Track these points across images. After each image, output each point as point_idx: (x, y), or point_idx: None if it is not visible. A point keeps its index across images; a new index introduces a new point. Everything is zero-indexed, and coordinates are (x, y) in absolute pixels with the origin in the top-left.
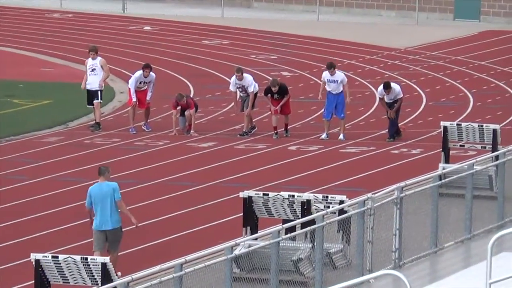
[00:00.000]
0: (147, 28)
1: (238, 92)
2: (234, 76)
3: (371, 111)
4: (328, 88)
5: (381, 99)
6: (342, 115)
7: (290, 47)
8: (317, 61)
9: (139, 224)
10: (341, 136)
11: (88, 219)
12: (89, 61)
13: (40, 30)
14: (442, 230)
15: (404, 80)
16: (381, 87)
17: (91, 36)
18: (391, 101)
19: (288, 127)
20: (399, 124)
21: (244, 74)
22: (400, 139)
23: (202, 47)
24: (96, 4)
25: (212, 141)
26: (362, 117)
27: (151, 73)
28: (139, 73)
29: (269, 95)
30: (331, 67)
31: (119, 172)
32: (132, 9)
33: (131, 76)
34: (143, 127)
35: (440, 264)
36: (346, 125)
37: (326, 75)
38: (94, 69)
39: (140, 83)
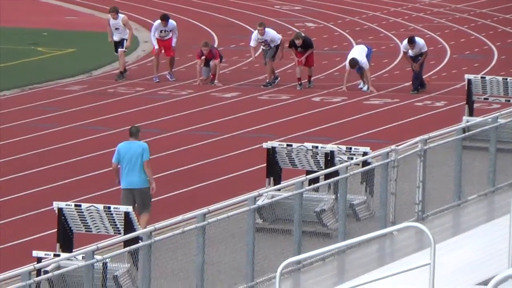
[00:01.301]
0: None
1: (260, 46)
2: (256, 31)
3: (395, 63)
4: None
5: (405, 53)
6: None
7: None
8: (341, 13)
9: (154, 187)
10: (364, 88)
11: (115, 177)
12: (111, 21)
13: None
14: (466, 183)
15: (429, 32)
16: (405, 42)
17: None
18: (415, 55)
19: (312, 78)
20: (423, 77)
21: (266, 29)
22: (424, 92)
23: None
24: None
25: (236, 91)
26: (386, 69)
27: (170, 21)
28: (157, 22)
29: (293, 47)
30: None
31: (142, 121)
32: None
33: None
34: (167, 76)
35: (463, 217)
36: (370, 77)
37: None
38: (118, 28)
39: (161, 31)
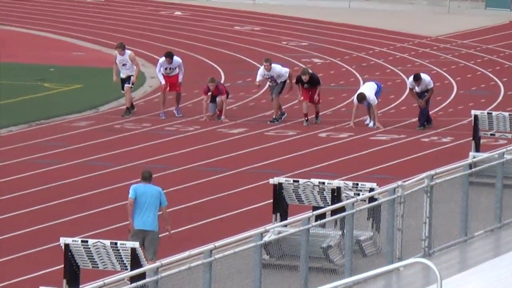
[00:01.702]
0: (178, 13)
1: (266, 82)
2: (262, 67)
3: (401, 99)
4: None
5: (411, 90)
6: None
7: (322, 34)
8: (348, 48)
9: (172, 231)
10: (371, 124)
11: (130, 213)
12: (118, 57)
13: (72, 15)
14: (472, 219)
15: (435, 68)
16: (411, 78)
17: (122, 20)
18: (422, 91)
19: (319, 114)
20: (429, 113)
21: (272, 64)
22: (430, 127)
23: (233, 33)
24: None
25: (243, 127)
26: (393, 104)
27: (175, 58)
28: (162, 59)
29: (300, 83)
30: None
31: (149, 157)
32: None
33: None
34: (174, 111)
35: (469, 253)
36: (377, 113)
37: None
38: (125, 64)
39: (166, 69)
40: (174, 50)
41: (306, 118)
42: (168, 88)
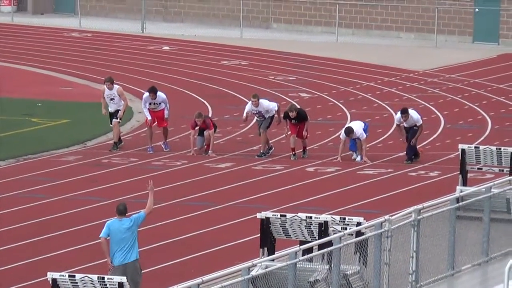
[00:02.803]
0: (166, 48)
1: (254, 117)
2: (249, 102)
3: (389, 133)
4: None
5: (398, 126)
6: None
7: (309, 69)
8: (335, 83)
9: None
10: (358, 158)
11: (106, 252)
12: (106, 91)
13: (59, 49)
14: (459, 252)
15: (423, 102)
16: (398, 114)
17: (110, 55)
18: (410, 126)
19: (306, 148)
20: (417, 147)
21: (260, 100)
22: (418, 162)
23: (220, 67)
24: (115, 24)
25: (230, 161)
26: (380, 139)
27: (159, 93)
28: (146, 94)
29: (287, 119)
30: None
31: (136, 192)
32: (151, 29)
33: None
34: (162, 146)
35: (457, 286)
36: (366, 147)
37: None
38: (113, 98)
39: (150, 104)
40: (161, 85)
41: (293, 153)
42: (154, 122)
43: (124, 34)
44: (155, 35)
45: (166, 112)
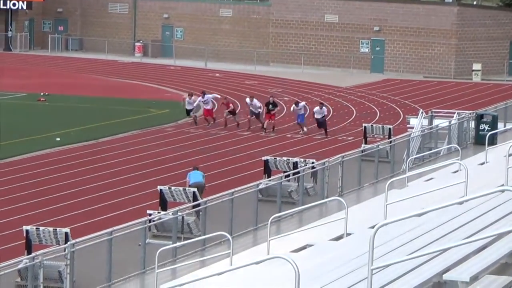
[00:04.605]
0: (217, 75)
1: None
2: (248, 98)
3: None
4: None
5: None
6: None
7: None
8: (303, 93)
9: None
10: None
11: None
12: (187, 99)
13: (163, 75)
14: (364, 177)
15: (346, 103)
16: (317, 107)
17: (187, 78)
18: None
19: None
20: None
21: (254, 100)
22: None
23: (243, 86)
24: (189, 62)
25: (251, 132)
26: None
27: (206, 95)
28: (199, 98)
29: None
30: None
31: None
32: (209, 65)
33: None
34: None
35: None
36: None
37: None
38: (190, 102)
39: (202, 102)
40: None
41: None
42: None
43: (191, 68)
44: (210, 68)
45: (211, 106)
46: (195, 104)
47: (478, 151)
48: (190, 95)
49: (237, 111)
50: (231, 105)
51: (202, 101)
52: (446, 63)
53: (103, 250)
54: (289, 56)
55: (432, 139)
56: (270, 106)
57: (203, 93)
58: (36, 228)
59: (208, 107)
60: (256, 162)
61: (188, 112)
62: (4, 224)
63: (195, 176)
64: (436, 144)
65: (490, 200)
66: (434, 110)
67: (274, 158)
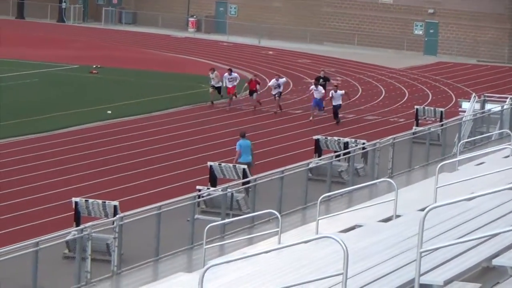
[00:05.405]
0: (270, 53)
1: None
2: (274, 79)
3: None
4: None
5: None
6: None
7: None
8: (351, 71)
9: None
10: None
11: (237, 157)
12: (226, 75)
13: (215, 52)
14: (414, 157)
15: (398, 84)
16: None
17: (244, 57)
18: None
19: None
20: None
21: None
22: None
23: (297, 64)
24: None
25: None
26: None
27: (232, 73)
28: (225, 74)
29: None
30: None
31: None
32: (263, 42)
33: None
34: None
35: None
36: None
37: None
38: (213, 78)
39: (228, 79)
40: (262, 73)
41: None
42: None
43: (244, 44)
44: (263, 45)
45: (233, 84)
46: (221, 81)
47: None
48: (212, 70)
49: (259, 92)
50: (258, 86)
51: (229, 78)
52: (500, 47)
53: (151, 224)
54: (342, 35)
55: (484, 124)
56: (321, 80)
57: (230, 70)
58: (85, 200)
59: (231, 85)
60: (306, 141)
61: (214, 87)
62: (54, 195)
63: (245, 149)
64: (488, 129)
65: None
66: (486, 94)
67: (325, 138)
